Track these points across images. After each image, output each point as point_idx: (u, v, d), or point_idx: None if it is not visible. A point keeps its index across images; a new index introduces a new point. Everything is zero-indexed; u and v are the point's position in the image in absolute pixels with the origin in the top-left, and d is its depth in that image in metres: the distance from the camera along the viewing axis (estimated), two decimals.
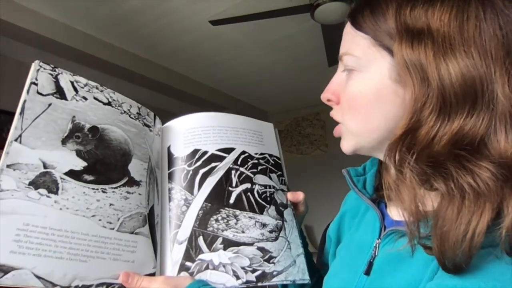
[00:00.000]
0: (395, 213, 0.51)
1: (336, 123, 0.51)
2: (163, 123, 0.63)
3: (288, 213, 0.62)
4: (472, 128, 0.37)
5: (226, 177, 0.59)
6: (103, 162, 0.50)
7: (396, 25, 0.42)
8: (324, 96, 0.51)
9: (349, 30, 0.48)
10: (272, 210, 0.60)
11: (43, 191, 0.44)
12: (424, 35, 0.40)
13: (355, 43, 0.46)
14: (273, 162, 0.65)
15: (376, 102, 0.44)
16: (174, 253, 0.53)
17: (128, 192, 0.51)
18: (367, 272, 0.48)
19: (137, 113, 0.57)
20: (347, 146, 0.49)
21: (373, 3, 0.45)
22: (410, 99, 0.40)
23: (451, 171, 0.38)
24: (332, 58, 2.22)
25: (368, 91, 0.45)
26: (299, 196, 0.64)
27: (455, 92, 0.37)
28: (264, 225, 0.58)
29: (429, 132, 0.38)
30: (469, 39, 0.38)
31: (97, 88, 0.53)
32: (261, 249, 0.56)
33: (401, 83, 0.41)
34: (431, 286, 0.39)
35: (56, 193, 0.45)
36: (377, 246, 0.50)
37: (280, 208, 0.61)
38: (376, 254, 0.49)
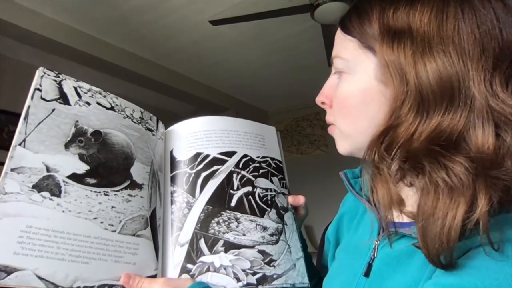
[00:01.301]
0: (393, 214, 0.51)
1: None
2: (163, 123, 0.63)
3: (288, 217, 0.62)
4: (449, 125, 0.38)
5: (227, 180, 0.59)
6: (106, 165, 0.51)
7: (379, 27, 0.43)
8: (318, 100, 0.52)
9: (339, 35, 0.49)
10: (273, 213, 0.60)
11: (46, 194, 0.45)
12: (404, 35, 0.41)
13: (343, 47, 0.47)
14: (274, 166, 0.65)
15: (364, 103, 0.45)
16: (175, 255, 0.53)
17: (130, 195, 0.52)
18: (367, 274, 0.49)
19: (140, 117, 0.58)
20: (342, 147, 0.50)
21: (360, 8, 0.47)
22: (391, 97, 0.41)
23: (425, 167, 0.39)
24: None
25: (356, 92, 0.46)
26: (300, 200, 0.64)
27: (433, 89, 0.38)
28: (264, 228, 0.58)
29: (408, 129, 0.39)
30: (447, 38, 0.39)
31: (100, 93, 0.54)
32: (261, 252, 0.56)
33: (384, 83, 0.43)
34: (428, 286, 0.39)
35: (58, 196, 0.45)
36: (376, 247, 0.50)
37: (281, 211, 0.62)
38: (375, 255, 0.49)
